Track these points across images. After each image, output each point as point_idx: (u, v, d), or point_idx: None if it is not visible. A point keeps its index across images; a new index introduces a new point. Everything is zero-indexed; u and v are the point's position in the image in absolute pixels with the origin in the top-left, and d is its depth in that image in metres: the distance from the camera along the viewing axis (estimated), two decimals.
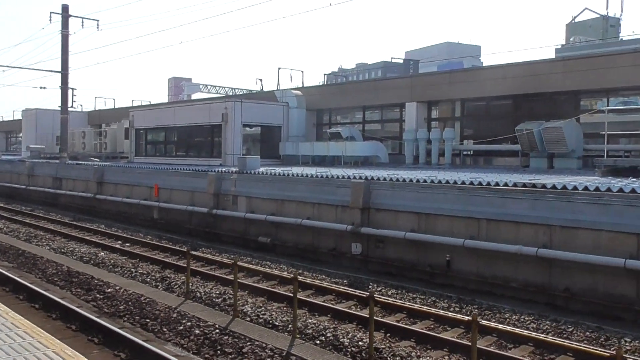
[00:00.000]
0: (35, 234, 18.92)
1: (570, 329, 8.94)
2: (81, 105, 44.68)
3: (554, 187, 10.85)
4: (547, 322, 9.27)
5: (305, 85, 32.10)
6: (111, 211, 23.71)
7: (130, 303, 10.49)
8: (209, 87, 61.38)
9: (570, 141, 17.25)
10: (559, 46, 60.36)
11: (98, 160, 31.93)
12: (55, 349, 4.87)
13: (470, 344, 6.55)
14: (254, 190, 17.25)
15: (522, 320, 9.43)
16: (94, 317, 9.29)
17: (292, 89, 28.22)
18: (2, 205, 27.71)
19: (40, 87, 65.91)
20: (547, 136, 17.44)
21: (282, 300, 10.65)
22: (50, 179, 29.07)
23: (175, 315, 9.68)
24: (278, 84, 36.79)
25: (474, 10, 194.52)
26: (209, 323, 9.20)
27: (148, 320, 9.48)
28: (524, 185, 11.41)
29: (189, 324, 9.20)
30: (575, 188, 10.55)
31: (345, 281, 12.29)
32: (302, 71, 50.96)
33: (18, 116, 48.73)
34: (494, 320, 9.40)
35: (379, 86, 24.94)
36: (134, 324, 9.39)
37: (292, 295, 8.66)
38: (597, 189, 10.29)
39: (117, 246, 16.46)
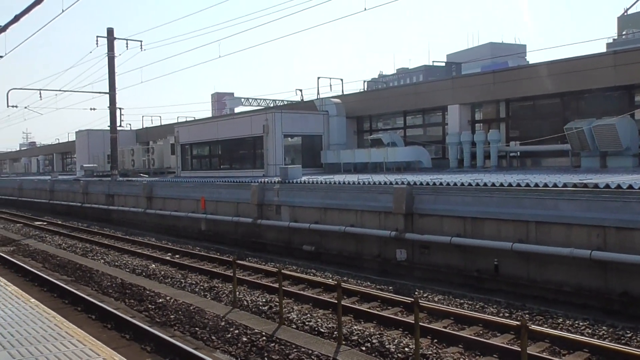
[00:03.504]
0: (90, 248, 19.63)
1: (629, 335, 8.53)
2: (129, 124, 46.43)
3: (607, 186, 10.39)
4: (604, 328, 8.88)
5: (345, 93, 32.13)
6: (161, 225, 24.35)
7: (180, 312, 10.72)
8: (250, 100, 62.42)
9: (625, 138, 16.55)
10: (611, 40, 58.13)
11: (147, 176, 32.89)
12: (105, 356, 5.03)
13: (520, 349, 6.35)
14: (297, 200, 17.37)
15: (576, 325, 9.07)
16: (146, 327, 9.55)
17: (331, 97, 28.33)
18: (60, 222, 28.96)
19: (91, 109, 68.70)
20: (599, 134, 16.81)
21: (328, 307, 10.65)
22: (103, 196, 30.17)
23: (223, 323, 9.83)
24: (318, 93, 37.06)
25: (518, 8, 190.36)
26: (255, 331, 9.30)
27: (197, 328, 9.67)
28: (575, 185, 11.00)
29: (237, 331, 9.32)
30: (630, 187, 10.05)
31: (390, 288, 12.17)
32: (342, 79, 51.45)
33: (72, 138, 50.86)
34: (546, 325, 9.09)
35: (419, 90, 24.69)
36: (184, 333, 9.60)
37: (337, 302, 8.65)
38: None
39: (167, 258, 16.89)
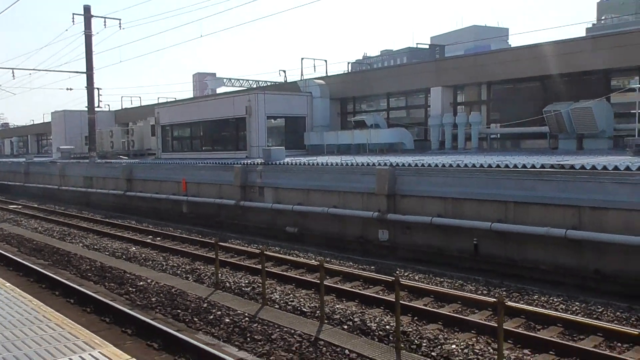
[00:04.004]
0: (68, 232, 19.40)
1: (600, 310, 8.81)
2: (108, 105, 45.43)
3: (582, 167, 10.64)
4: (577, 304, 9.15)
5: (329, 75, 31.96)
6: (141, 207, 24.17)
7: (161, 295, 10.71)
8: (232, 80, 61.68)
9: (601, 121, 16.85)
10: (590, 25, 58.65)
11: (126, 158, 32.46)
12: (84, 339, 4.99)
13: (497, 325, 6.51)
14: (280, 181, 17.37)
15: (551, 301, 9.32)
16: (127, 310, 9.51)
17: (315, 78, 28.17)
18: (36, 205, 28.54)
19: (67, 89, 67.48)
20: (577, 117, 17.07)
21: (310, 287, 10.75)
22: (82, 179, 29.73)
23: (205, 305, 9.86)
24: (302, 74, 36.79)
25: None
26: (238, 312, 9.35)
27: (179, 310, 9.68)
28: (552, 166, 11.21)
29: (219, 313, 9.36)
30: (605, 168, 10.33)
31: (372, 267, 12.31)
32: (326, 60, 51.04)
33: (48, 119, 49.77)
34: (522, 302, 9.32)
35: (403, 72, 24.71)
36: (165, 315, 9.60)
37: (319, 282, 8.73)
38: (627, 168, 10.06)
39: (148, 241, 16.79)
